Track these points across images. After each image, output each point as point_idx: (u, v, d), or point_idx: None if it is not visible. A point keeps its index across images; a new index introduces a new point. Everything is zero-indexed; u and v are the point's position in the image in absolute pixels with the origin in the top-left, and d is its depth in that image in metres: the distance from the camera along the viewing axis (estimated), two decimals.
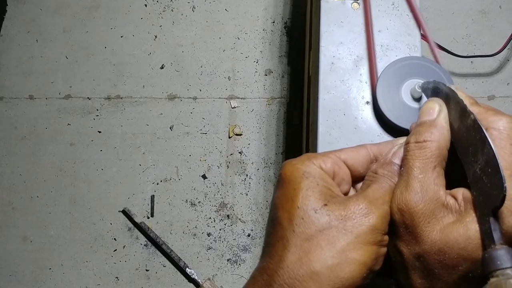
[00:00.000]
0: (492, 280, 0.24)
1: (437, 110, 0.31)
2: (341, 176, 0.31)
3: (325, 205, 0.28)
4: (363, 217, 0.28)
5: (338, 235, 0.27)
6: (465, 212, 0.27)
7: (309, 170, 0.29)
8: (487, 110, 0.29)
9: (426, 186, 0.28)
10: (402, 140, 0.32)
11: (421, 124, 0.31)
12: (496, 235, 0.25)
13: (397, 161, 0.31)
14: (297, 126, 0.82)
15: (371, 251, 0.27)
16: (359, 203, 0.28)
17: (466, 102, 0.29)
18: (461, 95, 0.30)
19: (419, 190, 0.28)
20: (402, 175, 0.29)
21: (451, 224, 0.27)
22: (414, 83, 0.40)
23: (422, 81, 0.39)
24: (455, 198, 0.28)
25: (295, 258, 0.27)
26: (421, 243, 0.27)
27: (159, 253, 0.78)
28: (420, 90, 0.38)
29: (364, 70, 0.41)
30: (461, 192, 0.28)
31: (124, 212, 0.79)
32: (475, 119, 0.27)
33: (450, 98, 0.31)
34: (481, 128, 0.27)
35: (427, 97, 0.34)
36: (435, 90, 0.34)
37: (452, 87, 0.31)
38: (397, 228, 0.28)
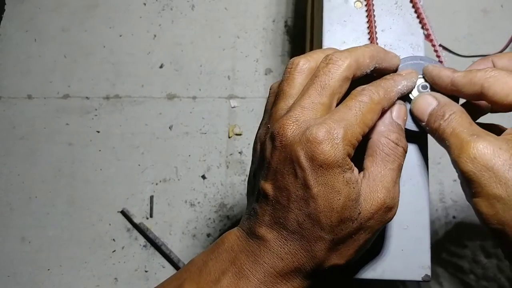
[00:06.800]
0: None
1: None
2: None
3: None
4: None
5: None
6: None
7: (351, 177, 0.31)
8: None
9: (476, 131, 0.31)
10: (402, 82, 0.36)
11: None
12: None
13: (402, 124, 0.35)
14: None
15: None
16: None
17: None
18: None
19: (472, 136, 0.30)
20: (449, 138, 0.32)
21: None
22: (417, 83, 0.39)
23: (424, 81, 0.39)
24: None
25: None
26: (503, 174, 0.28)
27: (158, 254, 0.77)
28: (423, 90, 0.38)
29: None
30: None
31: (123, 212, 0.78)
32: None
33: None
34: None
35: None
36: None
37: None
38: (473, 176, 0.29)
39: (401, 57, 0.40)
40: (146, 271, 0.76)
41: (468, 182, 0.30)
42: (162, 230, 0.78)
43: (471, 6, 0.85)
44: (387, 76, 0.35)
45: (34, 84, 0.86)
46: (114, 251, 0.78)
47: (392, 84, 0.34)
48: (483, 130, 0.31)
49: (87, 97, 0.85)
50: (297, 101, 0.32)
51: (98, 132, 0.83)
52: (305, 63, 0.34)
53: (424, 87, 0.38)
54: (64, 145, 0.83)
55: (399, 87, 0.35)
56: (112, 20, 0.89)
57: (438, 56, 0.40)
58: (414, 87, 0.36)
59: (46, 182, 0.81)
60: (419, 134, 0.39)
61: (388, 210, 0.31)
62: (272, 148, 0.31)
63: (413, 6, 0.42)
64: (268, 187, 0.31)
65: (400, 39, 0.41)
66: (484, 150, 0.29)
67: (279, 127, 0.31)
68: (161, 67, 0.86)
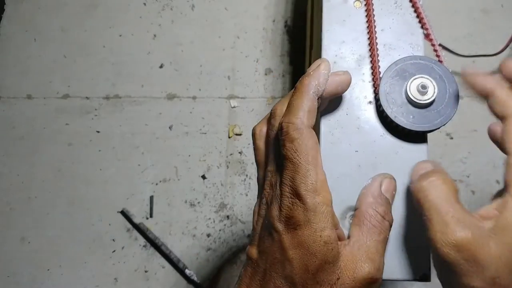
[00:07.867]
0: None
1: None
2: None
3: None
4: None
5: None
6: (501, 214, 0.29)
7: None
8: None
9: (461, 215, 0.29)
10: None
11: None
12: None
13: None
14: None
15: None
16: None
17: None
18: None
19: (458, 221, 0.28)
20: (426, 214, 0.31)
21: (493, 231, 0.28)
22: (417, 83, 0.39)
23: (426, 80, 0.39)
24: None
25: None
26: (489, 266, 0.27)
27: (158, 254, 0.77)
28: (423, 90, 0.38)
29: (367, 70, 0.40)
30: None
31: (123, 212, 0.78)
32: None
33: None
34: None
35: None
36: None
37: None
38: (457, 266, 0.28)
39: (400, 57, 0.40)
40: (146, 271, 0.76)
41: (448, 269, 0.29)
42: (162, 230, 0.78)
43: (471, 6, 0.85)
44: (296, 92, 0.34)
45: (34, 84, 0.86)
46: (114, 251, 0.78)
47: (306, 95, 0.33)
48: (466, 212, 0.30)
49: (87, 97, 0.85)
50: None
51: (98, 132, 0.83)
52: (261, 128, 0.36)
53: (423, 87, 0.38)
54: (64, 145, 0.83)
55: (312, 90, 0.33)
56: (112, 20, 0.89)
57: (437, 56, 0.40)
58: (326, 80, 0.35)
59: (46, 182, 0.81)
60: (419, 134, 0.39)
61: (372, 283, 0.30)
62: (257, 216, 0.34)
63: (413, 6, 0.42)
64: (252, 251, 0.33)
65: (400, 38, 0.41)
66: (469, 240, 0.27)
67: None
68: (161, 67, 0.86)
